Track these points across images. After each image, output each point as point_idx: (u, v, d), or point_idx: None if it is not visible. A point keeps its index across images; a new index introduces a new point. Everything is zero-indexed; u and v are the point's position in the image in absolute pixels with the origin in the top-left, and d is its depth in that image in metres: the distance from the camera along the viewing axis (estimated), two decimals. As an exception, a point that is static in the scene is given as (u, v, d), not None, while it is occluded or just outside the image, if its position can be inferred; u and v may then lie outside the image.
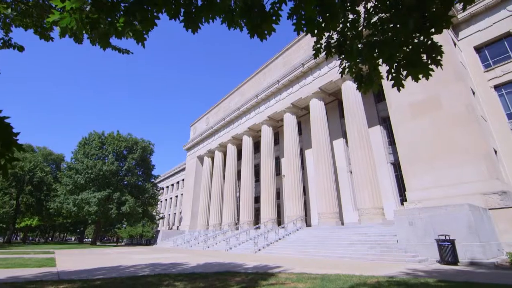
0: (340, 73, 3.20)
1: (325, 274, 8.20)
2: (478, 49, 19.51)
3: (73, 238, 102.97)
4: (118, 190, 39.29)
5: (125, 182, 42.26)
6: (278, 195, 30.26)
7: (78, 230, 71.00)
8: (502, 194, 13.06)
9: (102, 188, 38.40)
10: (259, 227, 26.10)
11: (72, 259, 16.53)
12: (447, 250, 10.49)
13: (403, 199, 19.02)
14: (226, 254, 19.13)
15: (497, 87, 18.12)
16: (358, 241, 15.05)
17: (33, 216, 47.42)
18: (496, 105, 17.85)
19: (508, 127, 17.12)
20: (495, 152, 16.08)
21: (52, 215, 46.85)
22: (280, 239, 20.58)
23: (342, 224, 21.97)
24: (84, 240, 74.82)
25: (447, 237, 10.69)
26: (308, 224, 25.48)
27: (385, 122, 22.50)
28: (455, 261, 10.28)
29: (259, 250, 18.94)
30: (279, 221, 28.58)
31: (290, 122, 27.48)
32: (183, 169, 57.26)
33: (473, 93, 17.57)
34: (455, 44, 19.11)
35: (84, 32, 2.78)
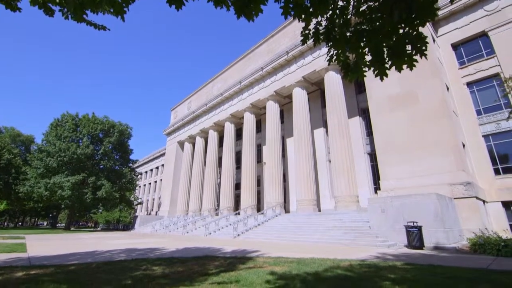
0: (327, 60, 3.20)
1: (301, 258, 8.51)
2: (455, 46, 20.29)
3: (45, 223, 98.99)
4: (94, 175, 37.93)
5: (101, 166, 40.80)
6: (259, 182, 30.61)
7: (50, 215, 68.31)
8: (467, 185, 14.03)
9: (76, 172, 36.85)
10: (239, 213, 26.41)
11: (44, 244, 15.96)
12: (414, 235, 11.22)
13: (377, 187, 19.92)
14: (205, 239, 19.27)
15: (469, 84, 19.08)
16: (334, 227, 15.69)
17: (0, 200, 44.86)
18: (467, 101, 18.85)
19: (477, 122, 18.21)
20: (463, 145, 17.11)
21: (22, 199, 44.59)
22: (259, 224, 20.99)
23: (319, 210, 22.73)
24: (57, 225, 72.19)
25: (415, 224, 11.41)
26: (287, 210, 26.11)
27: (364, 114, 23.13)
28: (421, 246, 11.04)
29: (238, 235, 19.24)
30: (259, 208, 29.05)
31: (272, 110, 27.51)
32: (163, 155, 56.15)
33: (447, 88, 18.40)
34: (434, 41, 19.74)
35: (57, 1, 2.55)
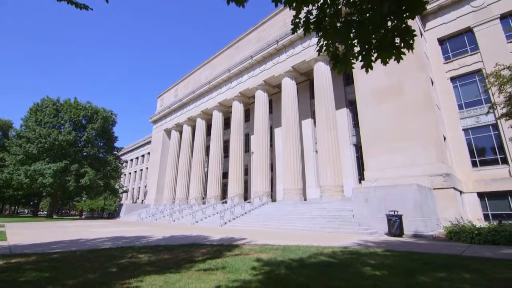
0: (317, 51, 3.19)
1: (286, 245, 8.72)
2: (441, 41, 20.67)
3: (26, 211, 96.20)
4: (77, 162, 36.87)
5: (84, 154, 39.68)
6: (246, 171, 30.76)
7: (31, 203, 66.34)
8: (446, 176, 14.63)
9: (58, 159, 35.70)
10: (226, 202, 26.57)
11: (26, 232, 15.56)
12: (395, 224, 11.69)
13: (361, 178, 20.45)
14: (192, 227, 19.34)
15: (453, 79, 19.60)
16: (319, 215, 16.09)
17: (-23, 187, 43.02)
18: (450, 96, 19.41)
19: (458, 116, 18.84)
20: (444, 138, 17.73)
21: (1, 187, 42.97)
22: (246, 213, 21.23)
23: (305, 199, 23.19)
24: (39, 213, 70.33)
25: (396, 213, 11.87)
26: (273, 199, 26.48)
27: (352, 105, 23.44)
28: (401, 234, 11.53)
29: (225, 223, 19.42)
30: (246, 196, 29.30)
31: (261, 100, 27.40)
32: (149, 143, 55.18)
33: (432, 82, 18.84)
34: (421, 35, 20.02)
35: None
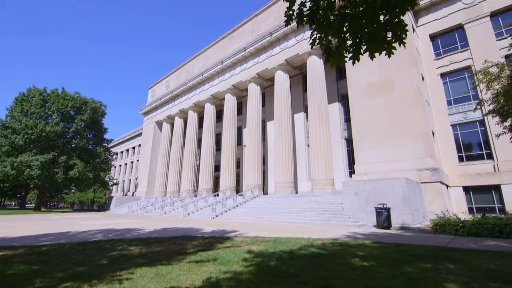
0: (310, 44, 3.18)
1: (277, 237, 8.84)
2: (433, 37, 20.88)
3: (13, 204, 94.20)
4: (65, 154, 36.12)
5: (73, 145, 38.87)
6: (238, 164, 30.77)
7: (18, 195, 64.95)
8: (433, 171, 15.00)
9: (46, 151, 34.90)
10: (218, 195, 26.61)
11: (13, 225, 15.27)
12: (383, 216, 11.98)
13: (352, 171, 20.75)
14: (184, 220, 19.34)
15: (443, 75, 19.90)
16: (309, 208, 16.31)
17: (-40, 179, 41.70)
18: (439, 92, 19.74)
19: (447, 112, 19.22)
20: (433, 133, 18.10)
21: (-15, 179, 41.81)
22: (237, 205, 21.33)
23: (297, 193, 23.42)
24: (26, 205, 68.99)
25: (384, 206, 12.15)
26: (265, 192, 26.65)
27: (344, 100, 23.59)
28: (388, 226, 11.82)
29: (217, 216, 19.49)
30: (238, 189, 29.39)
31: (254, 93, 27.26)
32: (139, 135, 54.42)
33: (423, 78, 19.09)
34: (413, 30, 20.16)
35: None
